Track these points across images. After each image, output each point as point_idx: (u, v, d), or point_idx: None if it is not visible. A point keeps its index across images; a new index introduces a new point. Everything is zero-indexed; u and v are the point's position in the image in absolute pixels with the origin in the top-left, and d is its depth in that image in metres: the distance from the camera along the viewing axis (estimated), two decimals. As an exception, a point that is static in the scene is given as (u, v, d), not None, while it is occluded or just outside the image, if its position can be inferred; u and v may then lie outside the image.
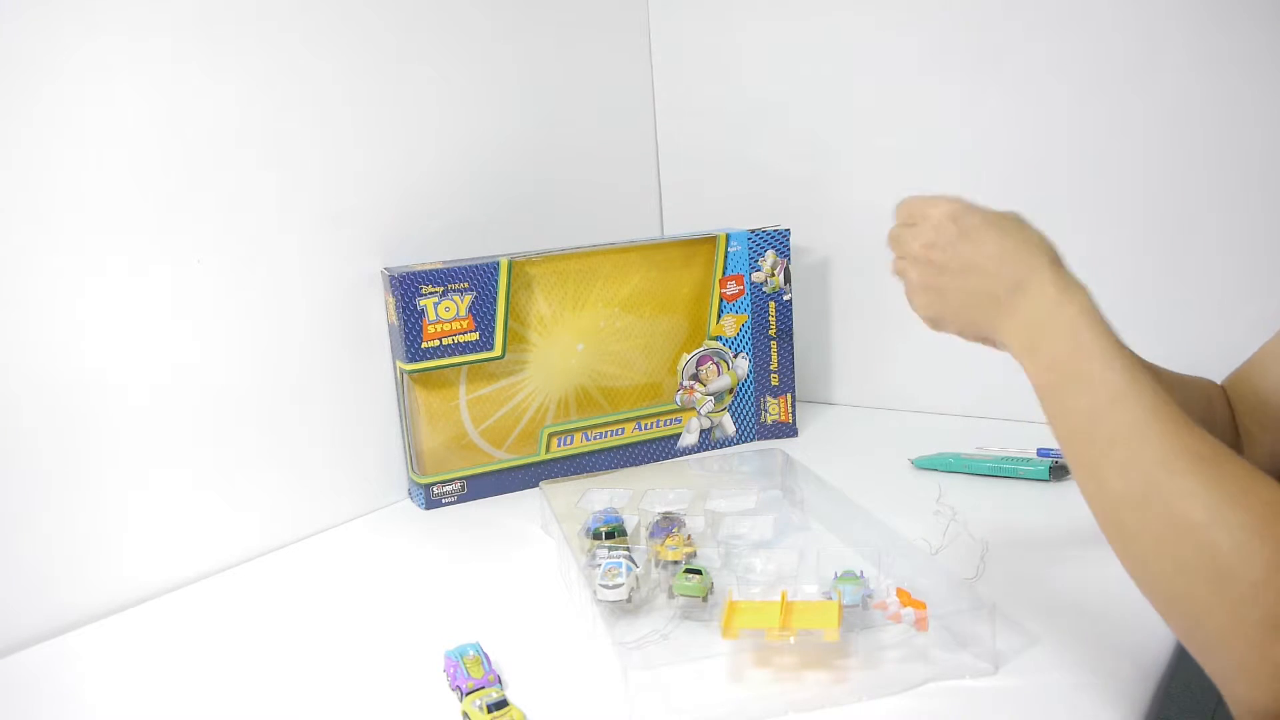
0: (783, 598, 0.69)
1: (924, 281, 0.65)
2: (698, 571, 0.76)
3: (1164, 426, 0.52)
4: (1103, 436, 0.54)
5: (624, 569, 0.75)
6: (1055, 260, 0.61)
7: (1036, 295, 0.59)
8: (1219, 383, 0.79)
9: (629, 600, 0.74)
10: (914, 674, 0.65)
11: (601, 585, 0.74)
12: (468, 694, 0.65)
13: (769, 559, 0.82)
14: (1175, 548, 0.49)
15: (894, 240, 0.69)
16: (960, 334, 0.65)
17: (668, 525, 0.85)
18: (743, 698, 0.64)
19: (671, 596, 0.75)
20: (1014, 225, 0.63)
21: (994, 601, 0.66)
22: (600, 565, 0.76)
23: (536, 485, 1.08)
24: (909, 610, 0.67)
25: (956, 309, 0.64)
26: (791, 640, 0.65)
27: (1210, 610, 0.48)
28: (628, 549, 0.79)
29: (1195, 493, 0.49)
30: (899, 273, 0.69)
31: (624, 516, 0.87)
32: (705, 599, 0.74)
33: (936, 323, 0.66)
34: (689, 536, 0.83)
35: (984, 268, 0.62)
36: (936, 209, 0.65)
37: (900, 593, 0.69)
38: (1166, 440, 0.52)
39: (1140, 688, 0.63)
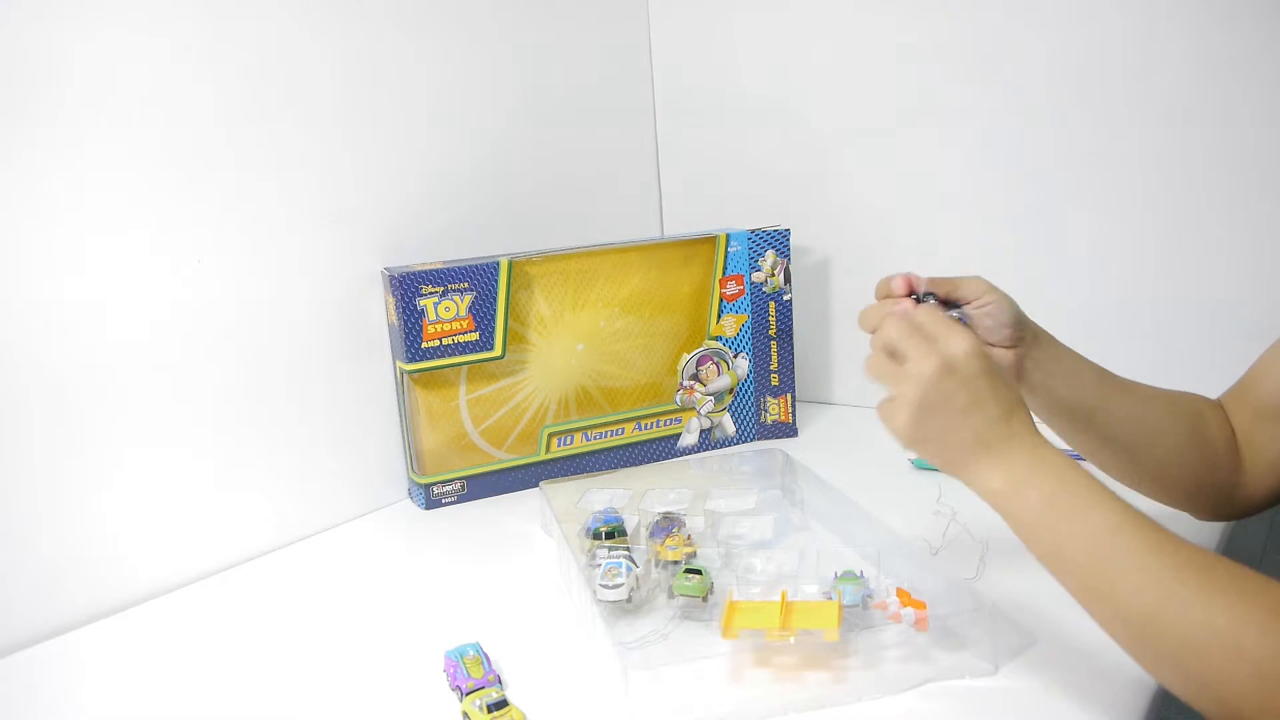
0: (783, 598, 0.69)
1: (912, 415, 0.63)
2: (698, 571, 0.76)
3: (1165, 546, 0.54)
4: (1107, 566, 0.55)
5: (624, 569, 0.75)
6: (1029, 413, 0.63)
7: (1025, 439, 0.61)
8: (1215, 398, 0.79)
9: (629, 600, 0.74)
10: (914, 674, 0.65)
11: (601, 585, 0.74)
12: (468, 694, 0.65)
13: (769, 559, 0.82)
14: (1193, 661, 0.52)
15: (877, 369, 0.68)
16: (932, 459, 0.64)
17: (668, 525, 0.85)
18: (742, 698, 0.64)
19: (672, 596, 0.75)
20: (999, 376, 0.64)
21: (993, 601, 0.66)
22: (600, 565, 0.76)
23: (536, 485, 1.08)
24: (909, 610, 0.67)
25: (939, 443, 0.63)
26: (791, 640, 0.65)
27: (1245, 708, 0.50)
28: (628, 549, 0.79)
29: (1206, 606, 0.52)
30: (883, 374, 0.67)
31: (624, 516, 0.87)
32: (705, 599, 0.74)
33: (914, 443, 0.64)
34: (689, 536, 0.83)
35: (982, 412, 0.61)
36: (928, 363, 0.63)
37: (900, 593, 0.69)
38: (1171, 557, 0.54)
39: (1140, 688, 0.63)
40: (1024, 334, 0.75)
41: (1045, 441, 0.61)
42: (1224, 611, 0.51)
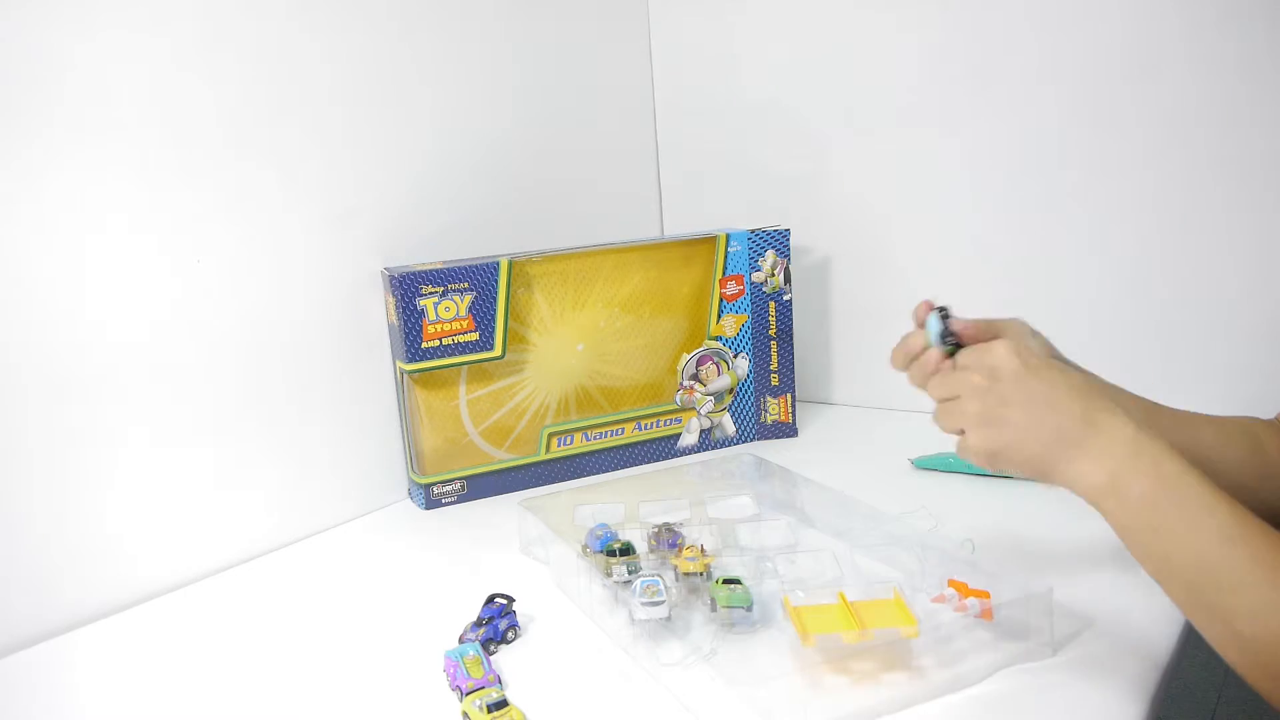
0: (841, 598, 0.68)
1: (985, 414, 0.62)
2: (736, 581, 0.74)
3: None
4: (1222, 583, 0.51)
5: (661, 585, 0.72)
6: (1117, 398, 0.60)
7: (1114, 432, 0.57)
8: (1270, 418, 0.77)
9: (669, 618, 0.71)
10: (983, 665, 0.65)
11: (642, 603, 0.71)
12: (468, 694, 0.65)
13: (802, 563, 0.81)
14: None
15: (943, 383, 0.66)
16: (1019, 469, 0.62)
17: (670, 537, 0.84)
18: (825, 704, 0.63)
19: (714, 609, 0.73)
20: (1072, 366, 0.62)
21: (1051, 586, 0.66)
22: (635, 582, 0.73)
23: (537, 485, 1.08)
24: (974, 600, 0.68)
25: (1020, 443, 0.60)
26: (874, 639, 0.64)
27: None
28: (639, 565, 0.78)
29: None
30: (948, 418, 0.65)
31: (619, 532, 0.84)
32: (750, 608, 0.72)
33: (995, 457, 0.62)
34: (702, 548, 0.81)
35: (1054, 402, 0.59)
36: (1000, 344, 0.62)
37: (956, 584, 0.69)
38: None
39: (1140, 688, 0.63)
40: None
41: (1142, 430, 0.56)
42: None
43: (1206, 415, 0.75)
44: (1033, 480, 0.62)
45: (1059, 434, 0.58)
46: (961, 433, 0.64)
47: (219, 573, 0.92)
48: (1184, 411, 0.75)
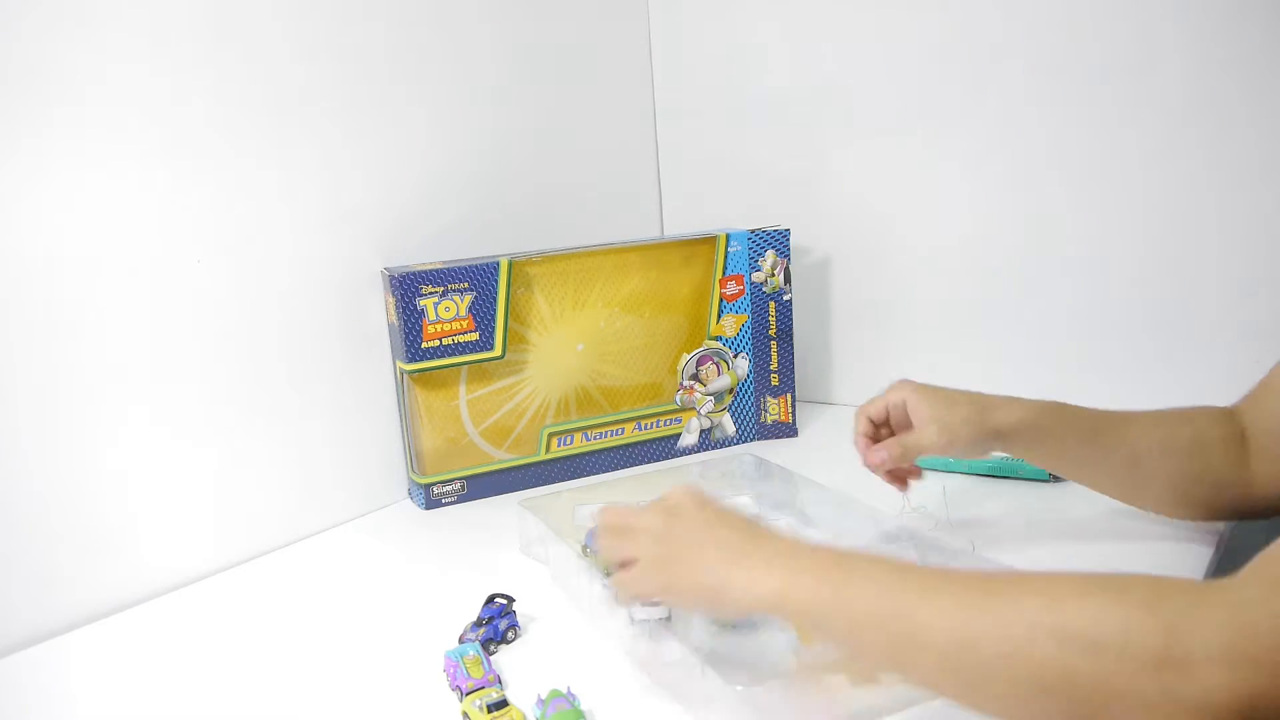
0: None
1: (657, 568, 0.63)
2: None
3: (954, 574, 0.53)
4: (905, 605, 0.52)
5: None
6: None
7: (772, 539, 0.60)
8: (1228, 406, 0.78)
9: (668, 618, 0.71)
10: None
11: (643, 604, 0.70)
12: (468, 694, 0.65)
13: None
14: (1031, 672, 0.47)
15: (607, 550, 0.67)
16: (688, 603, 0.64)
17: None
18: (825, 704, 0.63)
19: None
20: (727, 504, 0.65)
21: None
22: None
23: (537, 485, 1.08)
24: None
25: (690, 576, 0.62)
26: None
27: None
28: None
29: (1020, 612, 0.48)
30: (621, 565, 0.65)
31: None
32: None
33: (665, 593, 0.64)
34: None
35: (721, 529, 0.62)
36: (654, 519, 0.65)
37: None
38: (966, 579, 0.51)
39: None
40: (978, 443, 0.77)
41: (799, 538, 0.61)
42: (1043, 609, 0.47)
43: (1149, 413, 0.76)
44: (709, 611, 0.65)
45: (726, 553, 0.60)
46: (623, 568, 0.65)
47: (219, 572, 0.92)
48: (1118, 413, 0.77)
